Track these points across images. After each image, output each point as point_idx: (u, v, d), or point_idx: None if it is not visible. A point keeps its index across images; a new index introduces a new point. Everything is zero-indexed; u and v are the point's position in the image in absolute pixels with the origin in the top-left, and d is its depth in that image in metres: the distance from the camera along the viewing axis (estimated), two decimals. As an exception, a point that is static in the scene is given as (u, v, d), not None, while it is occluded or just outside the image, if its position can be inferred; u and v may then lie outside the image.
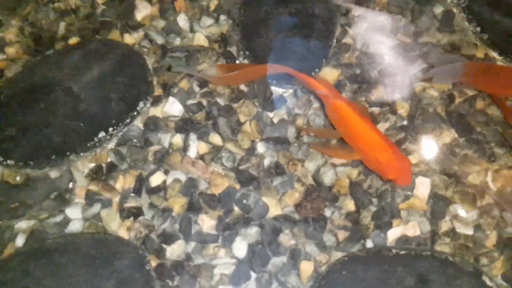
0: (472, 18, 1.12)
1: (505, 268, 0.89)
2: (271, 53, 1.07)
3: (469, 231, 0.93)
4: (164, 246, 0.91)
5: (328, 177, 0.97)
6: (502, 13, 1.11)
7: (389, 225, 0.94)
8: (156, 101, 1.05)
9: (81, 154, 0.97)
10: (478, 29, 1.11)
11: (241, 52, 1.11)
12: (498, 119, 1.03)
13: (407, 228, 0.92)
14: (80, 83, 1.01)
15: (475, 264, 0.88)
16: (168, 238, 0.91)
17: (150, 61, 1.10)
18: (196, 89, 1.07)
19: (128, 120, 1.01)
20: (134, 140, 1.01)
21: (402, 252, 0.87)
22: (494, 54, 1.10)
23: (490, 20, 1.11)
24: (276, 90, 1.08)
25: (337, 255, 0.91)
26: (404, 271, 0.82)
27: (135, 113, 1.02)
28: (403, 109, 1.05)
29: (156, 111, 1.05)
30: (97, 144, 0.98)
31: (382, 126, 1.04)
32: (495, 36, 1.09)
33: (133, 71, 1.05)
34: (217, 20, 1.16)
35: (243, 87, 1.08)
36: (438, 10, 1.17)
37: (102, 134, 0.98)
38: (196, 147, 1.00)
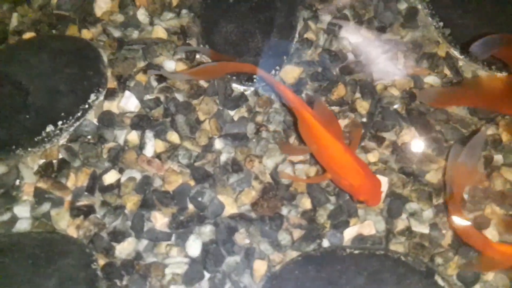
0: (436, 13, 1.11)
1: (459, 268, 0.89)
2: (231, 47, 1.05)
3: (425, 230, 0.92)
4: (114, 244, 0.89)
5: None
6: (465, 8, 1.10)
7: (346, 224, 0.93)
8: (111, 95, 1.02)
9: (29, 149, 0.94)
10: (441, 24, 1.10)
11: (201, 45, 1.08)
12: (457, 117, 1.03)
13: (362, 227, 0.92)
14: (30, 76, 0.98)
15: (430, 263, 0.88)
16: (118, 236, 0.89)
17: (105, 54, 1.07)
18: (154, 83, 1.05)
19: (79, 114, 0.98)
20: (89, 137, 0.99)
21: (356, 252, 0.86)
22: (455, 53, 1.10)
23: (453, 15, 1.10)
24: (237, 88, 1.06)
25: (293, 254, 0.91)
26: (355, 270, 0.81)
27: (86, 106, 0.99)
28: (362, 108, 1.04)
29: (111, 106, 1.02)
30: (45, 139, 0.95)
31: (341, 124, 1.03)
32: (457, 31, 1.08)
33: (85, 63, 1.02)
34: (178, 14, 1.14)
35: (203, 83, 1.06)
36: (403, 6, 1.16)
37: (50, 128, 0.95)
38: (153, 145, 0.98)
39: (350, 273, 0.81)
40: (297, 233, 0.92)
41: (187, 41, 1.10)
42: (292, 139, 1.00)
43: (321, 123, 0.89)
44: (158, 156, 0.97)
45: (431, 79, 1.07)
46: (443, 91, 1.05)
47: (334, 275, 0.80)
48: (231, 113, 1.04)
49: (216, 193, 0.94)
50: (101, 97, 1.02)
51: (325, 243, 0.91)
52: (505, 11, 1.08)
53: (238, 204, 0.94)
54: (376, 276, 0.80)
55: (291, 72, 1.07)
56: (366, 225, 0.91)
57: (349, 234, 0.92)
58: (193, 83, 1.04)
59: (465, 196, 0.94)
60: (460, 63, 1.09)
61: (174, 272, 0.87)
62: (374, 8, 1.15)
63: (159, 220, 0.91)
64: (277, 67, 1.05)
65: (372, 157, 0.99)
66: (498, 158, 0.99)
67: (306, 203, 0.95)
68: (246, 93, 1.06)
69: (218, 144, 0.99)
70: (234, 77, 1.04)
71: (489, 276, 0.89)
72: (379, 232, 0.92)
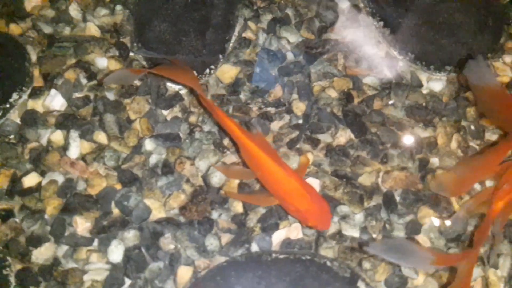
0: (376, 12, 1.09)
1: (387, 273, 0.87)
2: (164, 46, 1.02)
3: (356, 234, 0.91)
4: (31, 249, 0.85)
5: (216, 178, 0.93)
6: (406, 7, 1.07)
7: (276, 227, 0.91)
8: (36, 93, 0.98)
9: None
10: (381, 23, 1.08)
11: (134, 44, 1.05)
12: (394, 119, 1.02)
13: (290, 231, 0.90)
14: None
15: (356, 268, 0.86)
16: (36, 240, 0.86)
17: (34, 51, 1.03)
18: (84, 81, 1.01)
19: (-1, 113, 0.95)
20: (10, 136, 0.95)
21: (281, 257, 0.84)
22: (395, 53, 1.08)
23: (393, 14, 1.07)
24: (172, 87, 1.03)
25: (221, 259, 0.88)
26: (277, 276, 0.79)
27: (8, 105, 0.95)
28: (298, 109, 1.02)
29: (35, 104, 0.98)
30: (-38, 140, 0.91)
31: (276, 125, 1.01)
32: (397, 31, 1.06)
33: (7, 61, 0.98)
34: (112, 10, 1.10)
35: (136, 81, 1.02)
36: (344, 4, 1.14)
37: (-32, 129, 0.91)
38: (78, 146, 0.94)
39: (271, 279, 0.79)
40: (226, 238, 0.89)
41: (120, 39, 1.06)
42: (226, 141, 0.98)
43: (262, 149, 0.86)
44: (83, 157, 0.93)
45: (369, 80, 1.06)
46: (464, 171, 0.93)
47: (253, 281, 0.78)
48: (164, 112, 1.01)
49: (143, 197, 0.91)
50: (25, 96, 0.98)
51: (254, 248, 0.89)
52: (446, 10, 1.06)
53: (167, 208, 0.91)
54: (298, 282, 0.78)
55: (228, 72, 1.05)
56: (293, 229, 0.89)
57: (277, 238, 0.90)
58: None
59: (397, 199, 0.94)
60: (400, 64, 1.08)
61: (93, 279, 0.84)
62: (316, 7, 1.13)
63: (81, 225, 0.88)
64: (212, 66, 1.03)
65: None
66: (434, 161, 0.98)
67: (237, 206, 0.92)
68: (181, 92, 1.03)
69: (148, 144, 0.96)
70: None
71: (419, 280, 0.88)
72: (308, 236, 0.90)
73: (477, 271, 0.86)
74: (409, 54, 1.04)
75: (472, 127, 1.01)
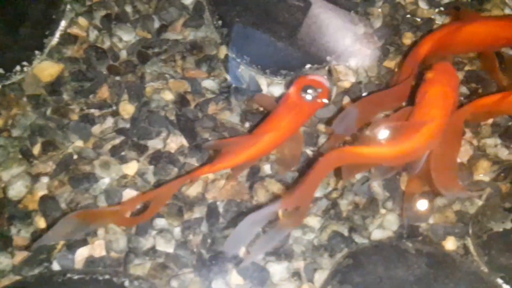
0: (216, 10, 1.02)
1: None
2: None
3: (170, 249, 0.83)
4: None
5: (14, 190, 0.83)
6: (244, 6, 1.01)
7: (82, 244, 0.82)
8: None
9: None
10: (220, 22, 1.01)
11: None
12: (228, 124, 0.96)
13: (93, 248, 0.81)
14: None
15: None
16: None
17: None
18: None
19: None
20: None
21: (76, 277, 0.75)
22: (233, 55, 1.02)
23: (231, 13, 1.01)
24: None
25: (15, 279, 0.78)
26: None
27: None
28: (125, 112, 0.94)
29: None
30: None
31: (98, 129, 0.92)
32: (233, 32, 0.99)
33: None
34: None
35: None
36: (188, 0, 1.06)
37: None
38: None
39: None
40: (21, 256, 0.80)
41: None
42: (37, 148, 0.88)
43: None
44: None
45: (207, 83, 0.99)
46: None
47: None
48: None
49: None
50: None
51: (56, 266, 0.80)
52: (288, 9, 1.01)
53: (-44, 224, 0.80)
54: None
55: (47, 69, 0.95)
56: (97, 246, 0.81)
57: (80, 255, 0.81)
58: None
59: (220, 210, 0.87)
60: (242, 67, 1.02)
61: None
62: (157, 3, 1.05)
63: None
64: (25, 63, 0.93)
65: (127, 168, 0.89)
66: (266, 168, 0.92)
67: (40, 221, 0.83)
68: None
69: None
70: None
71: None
72: (117, 252, 0.82)
73: (292, 286, 0.81)
74: (245, 56, 0.98)
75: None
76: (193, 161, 0.91)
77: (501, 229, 0.80)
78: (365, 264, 0.77)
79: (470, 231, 0.84)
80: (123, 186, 0.87)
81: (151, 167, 0.89)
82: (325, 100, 0.88)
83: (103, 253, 0.80)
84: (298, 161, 0.90)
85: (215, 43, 1.02)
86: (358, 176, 0.90)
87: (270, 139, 0.85)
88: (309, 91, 0.86)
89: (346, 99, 0.97)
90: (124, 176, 0.88)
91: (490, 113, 0.93)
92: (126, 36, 1.01)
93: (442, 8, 1.08)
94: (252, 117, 0.95)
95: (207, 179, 0.89)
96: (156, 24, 1.04)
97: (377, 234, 0.85)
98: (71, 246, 0.81)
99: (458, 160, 0.92)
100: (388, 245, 0.80)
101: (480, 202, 0.89)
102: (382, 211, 0.88)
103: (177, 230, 0.84)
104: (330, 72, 1.00)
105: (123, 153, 0.91)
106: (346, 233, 0.85)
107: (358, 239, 0.85)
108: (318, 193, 0.89)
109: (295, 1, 1.00)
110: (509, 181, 0.90)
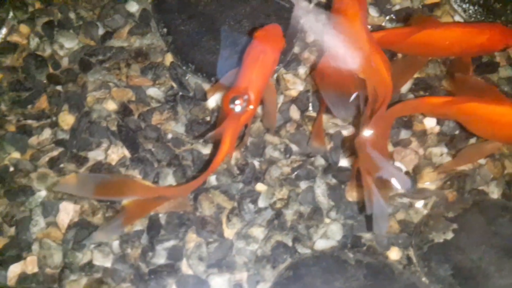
0: (161, 18, 1.00)
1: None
2: None
3: (108, 264, 0.81)
4: None
5: None
6: (189, 13, 0.99)
7: (16, 260, 0.79)
8: None
9: None
10: (165, 30, 0.99)
11: None
12: (173, 134, 0.94)
13: (26, 265, 0.78)
14: None
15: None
16: None
17: None
18: None
19: None
20: None
21: (4, 296, 0.73)
22: (178, 63, 1.00)
23: (176, 21, 0.99)
24: None
25: None
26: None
27: None
28: (64, 122, 0.91)
29: None
30: None
31: (36, 140, 0.89)
32: (179, 39, 0.97)
33: None
34: None
35: None
36: (134, 8, 1.04)
37: None
38: None
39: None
40: None
41: None
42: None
43: None
44: None
45: (152, 92, 0.97)
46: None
47: None
48: None
49: None
50: None
51: (-15, 284, 0.77)
52: (233, 17, 0.99)
53: None
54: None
55: (-17, 79, 0.92)
56: (29, 262, 0.78)
57: (13, 272, 0.78)
58: None
59: (162, 223, 0.85)
60: (188, 75, 1.00)
61: None
62: (101, 10, 1.03)
63: None
64: None
65: (68, 180, 0.86)
66: (211, 179, 0.91)
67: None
68: None
69: None
70: None
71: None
72: (52, 268, 0.79)
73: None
74: (189, 64, 0.96)
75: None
76: (135, 173, 0.89)
77: (441, 240, 0.80)
78: (304, 276, 0.76)
79: (413, 242, 0.84)
80: (59, 199, 0.85)
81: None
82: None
83: (36, 269, 0.77)
84: (275, 110, 0.92)
85: (161, 51, 1.00)
86: (303, 185, 0.89)
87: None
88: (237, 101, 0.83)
89: (293, 108, 0.96)
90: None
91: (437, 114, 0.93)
92: (68, 43, 0.99)
93: (393, 16, 1.08)
94: (198, 127, 0.94)
95: (149, 191, 0.87)
96: (101, 31, 1.01)
97: (321, 244, 0.84)
98: (3, 262, 0.78)
99: (404, 169, 0.92)
100: (329, 255, 0.79)
101: (424, 211, 0.89)
102: (327, 220, 0.87)
103: (115, 244, 0.82)
104: (278, 81, 0.99)
105: (61, 165, 0.88)
106: (290, 243, 0.84)
107: (301, 249, 0.84)
108: (262, 203, 0.88)
109: (240, 9, 0.99)
110: (455, 189, 0.91)
